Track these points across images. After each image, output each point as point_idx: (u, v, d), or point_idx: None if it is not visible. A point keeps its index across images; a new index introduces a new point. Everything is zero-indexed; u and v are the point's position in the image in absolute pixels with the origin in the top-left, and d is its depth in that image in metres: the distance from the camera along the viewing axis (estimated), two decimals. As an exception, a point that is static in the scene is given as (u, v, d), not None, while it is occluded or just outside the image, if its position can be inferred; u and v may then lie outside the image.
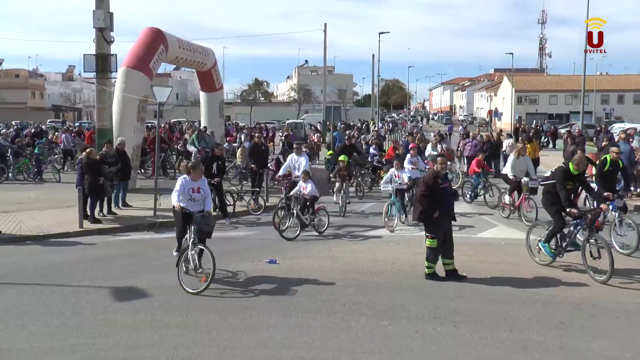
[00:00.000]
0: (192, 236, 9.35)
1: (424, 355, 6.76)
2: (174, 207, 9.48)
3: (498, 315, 8.05)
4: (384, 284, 9.52)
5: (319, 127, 42.81)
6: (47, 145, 27.49)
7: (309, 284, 9.51)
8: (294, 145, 17.14)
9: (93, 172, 14.27)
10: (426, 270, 9.79)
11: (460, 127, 48.27)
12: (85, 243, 12.85)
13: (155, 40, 20.85)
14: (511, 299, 8.74)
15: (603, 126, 40.25)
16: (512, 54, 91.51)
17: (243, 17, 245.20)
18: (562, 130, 44.13)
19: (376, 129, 40.29)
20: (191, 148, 23.67)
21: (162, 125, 26.50)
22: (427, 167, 19.63)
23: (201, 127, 26.33)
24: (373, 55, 55.79)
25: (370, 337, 7.25)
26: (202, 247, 9.28)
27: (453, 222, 10.23)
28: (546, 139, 43.93)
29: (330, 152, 22.70)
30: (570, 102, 79.93)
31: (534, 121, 60.05)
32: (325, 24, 41.39)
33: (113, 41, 18.96)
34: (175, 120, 56.42)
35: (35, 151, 24.38)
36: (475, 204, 17.51)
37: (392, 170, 15.19)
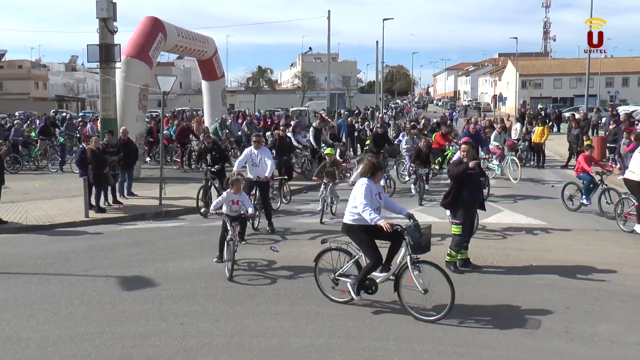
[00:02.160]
0: None
1: (431, 340, 6.78)
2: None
3: (503, 300, 8.07)
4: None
5: (323, 115, 42.69)
6: (69, 135, 27.18)
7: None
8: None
9: (97, 162, 14.28)
10: (446, 257, 9.52)
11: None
12: (92, 232, 12.88)
13: (154, 29, 20.83)
14: (516, 285, 8.75)
15: (610, 109, 39.93)
16: (516, 38, 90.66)
17: (247, 4, 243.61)
18: (567, 114, 43.91)
19: (380, 115, 40.12)
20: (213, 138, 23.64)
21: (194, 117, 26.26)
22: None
23: (223, 116, 26.28)
24: (377, 41, 55.25)
25: (377, 324, 7.28)
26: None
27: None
28: (551, 123, 43.70)
29: (368, 141, 20.80)
30: (575, 85, 79.52)
31: (539, 105, 59.80)
32: (329, 11, 41.06)
33: (117, 31, 18.93)
34: (180, 109, 56.41)
35: (60, 140, 24.40)
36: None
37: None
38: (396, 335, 6.91)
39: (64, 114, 41.64)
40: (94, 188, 14.33)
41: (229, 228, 9.58)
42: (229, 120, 27.01)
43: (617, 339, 6.80)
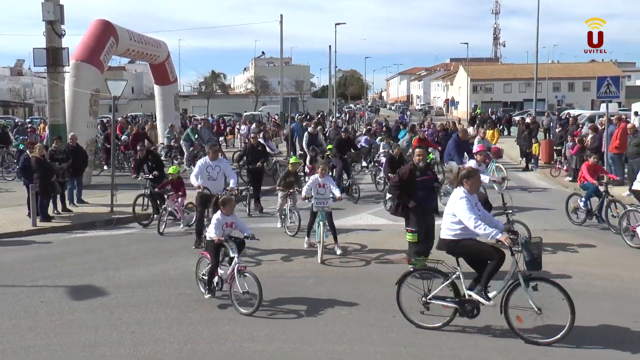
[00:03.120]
0: None
1: (384, 342, 6.85)
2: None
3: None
4: (343, 274, 9.60)
5: (277, 119, 42.72)
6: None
7: (269, 276, 9.47)
8: (207, 149, 12.62)
9: (42, 170, 13.89)
10: (409, 266, 9.01)
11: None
12: (40, 242, 12.54)
13: (105, 33, 20.45)
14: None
15: (556, 113, 41.17)
16: (467, 43, 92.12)
17: (199, 8, 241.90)
18: (517, 118, 44.99)
19: (334, 119, 40.33)
20: (184, 143, 23.17)
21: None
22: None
23: (194, 122, 25.93)
24: (330, 46, 55.64)
25: (330, 327, 7.31)
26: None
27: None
28: (501, 127, 44.70)
29: (330, 146, 19.65)
30: (524, 90, 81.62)
31: (489, 109, 61.11)
32: (282, 15, 41.20)
33: (64, 34, 18.46)
34: (132, 114, 55.49)
35: (21, 147, 23.53)
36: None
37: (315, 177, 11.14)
38: (349, 337, 6.96)
39: (9, 120, 40.45)
40: (39, 196, 13.92)
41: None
42: (199, 126, 26.52)
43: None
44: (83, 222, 14.20)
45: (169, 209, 13.14)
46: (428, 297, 7.12)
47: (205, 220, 10.94)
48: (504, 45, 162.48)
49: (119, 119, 30.88)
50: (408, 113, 66.07)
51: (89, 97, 19.24)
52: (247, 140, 20.94)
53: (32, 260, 10.84)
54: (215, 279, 8.16)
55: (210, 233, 8.32)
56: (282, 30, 40.68)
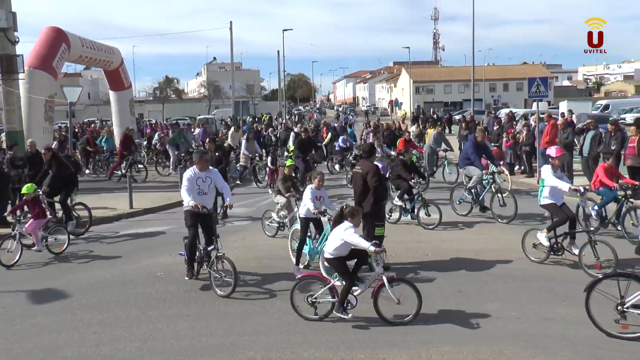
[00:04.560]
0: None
1: (334, 331, 6.98)
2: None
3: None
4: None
5: (229, 122, 42.41)
6: None
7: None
8: (195, 158, 9.48)
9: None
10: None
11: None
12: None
13: (57, 40, 20.03)
14: (415, 275, 9.12)
15: (493, 111, 42.22)
16: (408, 47, 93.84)
17: (150, 15, 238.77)
18: (457, 117, 45.94)
19: (284, 121, 40.33)
20: (170, 147, 22.55)
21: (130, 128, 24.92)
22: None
23: (129, 127, 25.13)
24: (278, 51, 55.75)
25: (285, 319, 7.40)
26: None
27: None
28: (442, 125, 45.50)
29: (292, 148, 18.78)
30: (463, 90, 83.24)
31: (431, 109, 62.21)
32: (231, 22, 40.82)
33: (18, 41, 17.94)
34: (89, 119, 54.22)
35: None
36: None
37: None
38: (302, 328, 7.08)
39: None
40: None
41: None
42: (185, 129, 25.96)
43: (501, 315, 7.30)
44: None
45: (19, 232, 10.70)
46: (625, 306, 6.51)
47: (198, 243, 9.10)
48: (444, 49, 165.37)
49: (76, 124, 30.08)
50: (352, 114, 66.72)
51: (44, 103, 18.82)
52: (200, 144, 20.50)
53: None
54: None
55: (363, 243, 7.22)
56: (232, 37, 40.32)
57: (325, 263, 7.83)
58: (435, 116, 47.00)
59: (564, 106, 37.00)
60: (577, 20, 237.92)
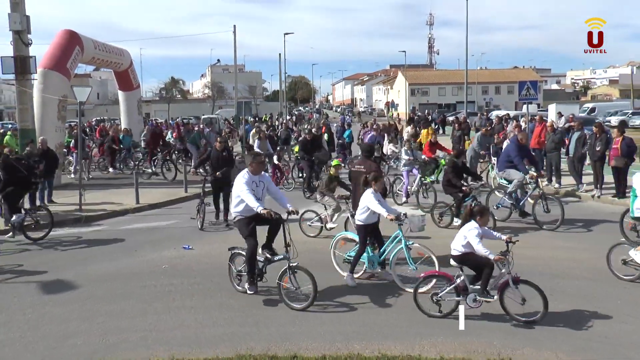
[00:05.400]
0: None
1: (333, 323, 6.97)
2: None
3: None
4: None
5: (231, 122, 42.37)
6: None
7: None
8: (251, 160, 8.32)
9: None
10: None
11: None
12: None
13: (71, 42, 19.97)
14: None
15: (485, 113, 42.27)
16: (404, 51, 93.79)
17: (156, 19, 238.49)
18: (450, 118, 45.94)
19: (284, 121, 40.30)
20: (191, 147, 22.08)
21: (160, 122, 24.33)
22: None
23: (201, 125, 24.77)
24: (280, 54, 55.80)
25: (284, 311, 7.38)
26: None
27: None
28: (436, 126, 45.52)
29: (296, 148, 18.09)
30: (456, 93, 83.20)
31: (426, 110, 62.17)
32: (235, 26, 40.86)
33: (31, 43, 17.94)
34: (98, 118, 54.17)
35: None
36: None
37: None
38: (300, 320, 7.06)
39: None
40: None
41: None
42: (207, 130, 25.31)
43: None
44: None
45: None
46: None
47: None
48: (438, 53, 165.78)
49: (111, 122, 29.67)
50: (349, 115, 66.58)
51: (57, 103, 18.80)
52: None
53: (3, 258, 10.51)
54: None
55: (483, 251, 6.86)
56: (235, 40, 40.39)
57: (451, 261, 7.18)
58: (429, 117, 46.92)
59: (552, 109, 36.93)
60: (566, 26, 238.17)
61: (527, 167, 12.41)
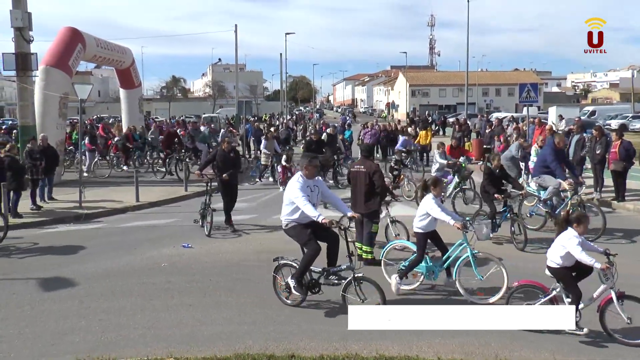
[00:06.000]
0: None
1: (329, 322, 6.97)
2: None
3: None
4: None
5: (231, 121, 42.38)
6: None
7: (225, 265, 9.54)
8: (304, 163, 7.65)
9: (16, 169, 13.52)
10: (366, 255, 9.16)
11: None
12: (12, 237, 12.13)
13: (73, 39, 19.97)
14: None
15: (485, 115, 42.29)
16: (405, 52, 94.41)
17: (158, 17, 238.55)
18: (451, 120, 45.98)
19: (284, 120, 40.28)
20: (201, 145, 22.02)
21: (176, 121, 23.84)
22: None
23: (131, 126, 24.68)
24: (281, 54, 55.60)
25: (281, 310, 7.38)
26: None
27: None
28: (437, 127, 45.57)
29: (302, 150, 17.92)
30: (457, 94, 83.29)
31: (426, 111, 62.19)
32: (236, 25, 40.58)
33: (32, 40, 17.97)
34: (100, 116, 54.24)
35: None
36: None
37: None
38: (298, 319, 7.05)
39: None
40: (12, 194, 13.51)
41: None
42: (222, 130, 25.14)
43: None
44: (53, 217, 13.85)
45: None
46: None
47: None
48: (439, 55, 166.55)
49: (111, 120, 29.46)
50: (349, 115, 66.50)
51: (59, 100, 18.80)
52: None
53: (3, 255, 10.52)
54: None
55: (587, 259, 6.35)
56: (236, 39, 40.17)
57: (547, 272, 6.72)
58: (429, 118, 46.94)
59: (552, 111, 37.03)
60: (566, 29, 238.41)
61: (565, 173, 11.70)
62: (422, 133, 24.42)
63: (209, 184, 12.43)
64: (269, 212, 14.19)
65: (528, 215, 11.64)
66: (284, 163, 18.09)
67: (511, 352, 6.13)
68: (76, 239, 11.86)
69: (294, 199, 7.20)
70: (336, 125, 27.59)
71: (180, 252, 10.45)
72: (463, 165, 14.47)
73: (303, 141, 22.77)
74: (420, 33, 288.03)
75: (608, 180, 14.84)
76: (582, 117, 31.30)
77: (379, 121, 42.94)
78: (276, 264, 7.60)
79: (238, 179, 13.02)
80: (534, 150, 14.29)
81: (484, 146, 24.88)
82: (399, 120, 54.91)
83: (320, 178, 7.70)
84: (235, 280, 8.66)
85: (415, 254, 7.91)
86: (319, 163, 8.07)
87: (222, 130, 25.59)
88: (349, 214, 7.41)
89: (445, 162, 14.36)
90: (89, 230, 12.79)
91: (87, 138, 21.38)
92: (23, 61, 17.63)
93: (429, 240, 7.92)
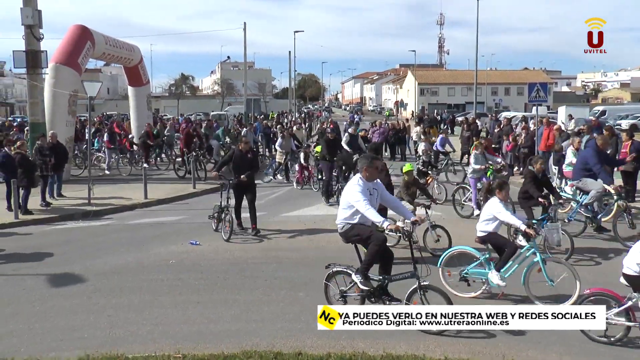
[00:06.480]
0: None
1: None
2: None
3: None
4: (301, 260, 9.70)
5: (241, 119, 42.46)
6: None
7: (233, 262, 9.58)
8: (364, 164, 7.01)
9: (27, 166, 13.64)
10: None
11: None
12: (22, 233, 12.28)
13: (82, 37, 20.11)
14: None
15: (494, 114, 42.12)
16: (414, 51, 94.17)
17: (167, 15, 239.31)
18: (460, 119, 45.79)
19: (293, 119, 40.28)
20: (214, 142, 21.99)
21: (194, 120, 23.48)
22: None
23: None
24: (290, 52, 55.83)
25: (289, 308, 7.41)
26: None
27: None
28: (445, 126, 45.43)
29: (319, 148, 17.13)
30: (466, 93, 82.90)
31: (435, 110, 62.04)
32: (245, 23, 40.69)
33: (42, 38, 18.15)
34: (107, 113, 54.49)
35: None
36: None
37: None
38: (306, 317, 7.05)
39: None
40: (21, 190, 13.62)
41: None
42: (244, 130, 24.75)
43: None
44: (62, 214, 13.95)
45: None
46: None
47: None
48: (448, 53, 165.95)
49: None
50: (358, 113, 66.25)
51: (68, 97, 18.93)
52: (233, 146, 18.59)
53: (14, 251, 10.61)
54: None
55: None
56: (245, 37, 40.28)
57: (622, 280, 6.38)
58: (438, 117, 46.79)
59: (562, 111, 36.78)
60: (576, 28, 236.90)
61: (610, 176, 11.10)
62: (432, 131, 24.41)
63: (227, 186, 11.76)
64: (277, 209, 14.25)
65: (566, 221, 10.87)
66: (302, 162, 18.04)
67: (518, 352, 6.13)
68: (85, 236, 11.96)
69: (354, 203, 6.72)
70: (345, 122, 27.55)
71: (188, 249, 10.50)
72: (491, 168, 13.22)
73: (311, 141, 22.56)
74: (429, 32, 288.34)
75: (618, 181, 14.75)
76: (586, 118, 31.14)
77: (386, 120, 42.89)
78: (329, 271, 7.06)
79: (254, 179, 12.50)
80: (570, 152, 13.30)
81: (492, 146, 24.81)
82: (407, 119, 54.85)
83: (379, 181, 7.24)
84: (243, 277, 8.70)
85: (476, 262, 7.66)
86: (380, 164, 7.49)
87: (244, 129, 25.46)
88: (412, 218, 6.97)
89: (479, 167, 13.04)
90: (97, 227, 12.88)
91: (106, 136, 21.50)
92: (33, 59, 17.78)
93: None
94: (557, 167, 14.94)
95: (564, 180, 13.36)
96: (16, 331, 6.77)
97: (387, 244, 7.20)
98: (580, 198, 11.17)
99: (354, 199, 6.73)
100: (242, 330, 6.74)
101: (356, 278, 6.75)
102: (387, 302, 6.66)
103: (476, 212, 12.55)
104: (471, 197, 13.14)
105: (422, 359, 5.92)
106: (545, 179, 10.49)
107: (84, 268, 9.32)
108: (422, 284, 6.49)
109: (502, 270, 7.49)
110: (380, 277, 6.78)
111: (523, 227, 7.27)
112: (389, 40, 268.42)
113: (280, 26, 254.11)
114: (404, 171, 10.81)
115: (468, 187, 13.43)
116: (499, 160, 13.94)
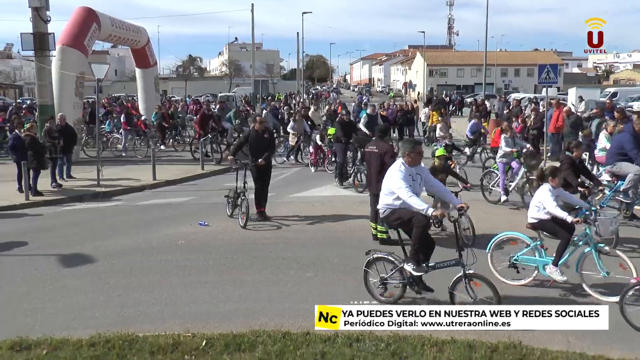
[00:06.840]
0: None
1: (346, 300, 7.01)
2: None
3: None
4: (309, 240, 9.75)
5: (250, 100, 42.39)
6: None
7: (242, 243, 9.64)
8: (406, 148, 6.89)
9: (37, 147, 13.76)
10: (381, 235, 9.12)
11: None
12: (32, 214, 12.43)
13: (88, 19, 20.12)
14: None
15: (503, 96, 41.82)
16: (423, 32, 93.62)
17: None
18: (469, 100, 45.53)
19: (302, 100, 40.15)
20: (227, 125, 21.90)
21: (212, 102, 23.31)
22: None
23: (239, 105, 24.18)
24: (297, 33, 55.63)
25: (297, 288, 7.48)
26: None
27: None
28: (454, 108, 45.16)
29: (332, 130, 16.64)
30: (475, 75, 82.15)
31: (444, 92, 61.61)
32: (253, 4, 40.42)
33: (49, 20, 18.13)
34: (115, 95, 54.58)
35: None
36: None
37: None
38: (314, 297, 7.11)
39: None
40: (31, 172, 13.74)
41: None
42: (264, 111, 24.51)
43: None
44: (72, 195, 14.07)
45: None
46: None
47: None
48: (457, 34, 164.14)
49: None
50: (366, 95, 65.80)
51: (75, 79, 19.00)
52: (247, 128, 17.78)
53: (25, 232, 10.74)
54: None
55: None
56: (253, 18, 40.05)
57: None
58: (447, 99, 46.46)
59: (572, 93, 36.46)
60: (587, 9, 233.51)
61: None
62: (435, 113, 24.24)
63: (243, 169, 11.36)
64: (285, 190, 14.29)
65: (599, 207, 9.69)
66: (318, 142, 17.86)
67: (524, 333, 6.15)
68: (95, 217, 12.08)
69: (396, 190, 6.55)
70: (353, 103, 27.41)
71: (196, 229, 10.59)
72: (515, 153, 12.44)
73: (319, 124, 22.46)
74: (438, 13, 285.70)
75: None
76: (597, 99, 30.77)
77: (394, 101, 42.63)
78: (369, 257, 6.87)
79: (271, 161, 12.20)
80: (603, 136, 12.64)
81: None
82: (415, 100, 54.60)
83: (423, 165, 6.99)
84: (251, 257, 8.77)
85: (526, 248, 7.47)
86: (422, 149, 7.04)
87: (263, 111, 25.26)
88: (458, 204, 6.69)
89: (510, 149, 12.36)
90: (107, 208, 12.99)
91: (123, 117, 21.56)
92: (41, 41, 17.80)
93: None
94: (587, 153, 14.08)
95: (595, 167, 12.92)
96: (29, 310, 6.89)
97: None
98: (614, 185, 10.55)
99: (396, 185, 6.57)
100: (251, 310, 6.82)
101: (408, 267, 6.59)
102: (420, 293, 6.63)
103: (503, 197, 12.25)
104: (499, 182, 12.56)
105: (429, 339, 5.95)
106: (582, 166, 10.02)
107: (94, 248, 9.43)
108: (467, 272, 6.27)
109: (560, 263, 7.19)
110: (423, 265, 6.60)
111: (570, 219, 7.00)
112: (398, 21, 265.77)
113: (288, 7, 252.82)
114: (436, 155, 10.29)
115: (496, 171, 12.89)
116: (527, 145, 13.51)
